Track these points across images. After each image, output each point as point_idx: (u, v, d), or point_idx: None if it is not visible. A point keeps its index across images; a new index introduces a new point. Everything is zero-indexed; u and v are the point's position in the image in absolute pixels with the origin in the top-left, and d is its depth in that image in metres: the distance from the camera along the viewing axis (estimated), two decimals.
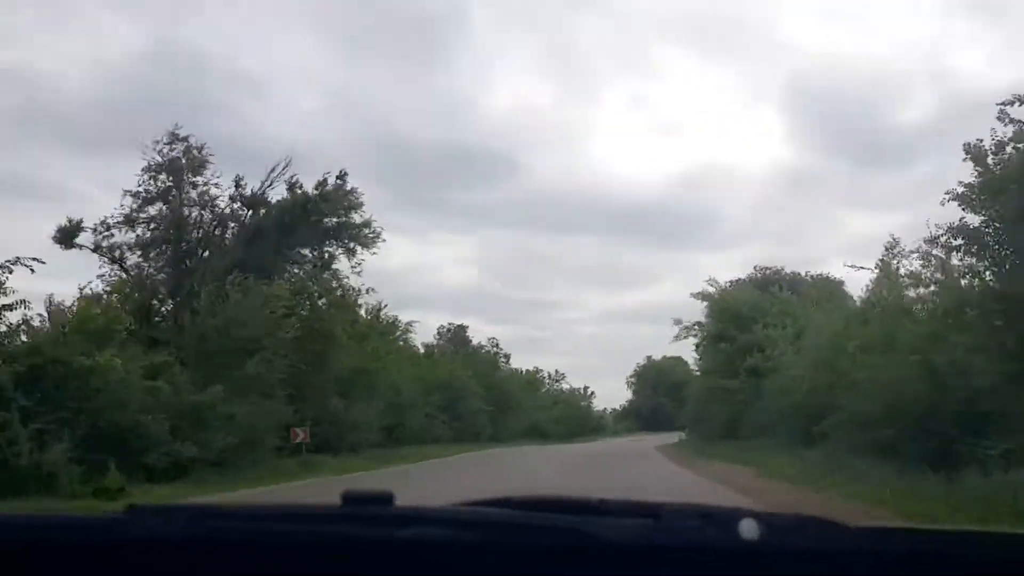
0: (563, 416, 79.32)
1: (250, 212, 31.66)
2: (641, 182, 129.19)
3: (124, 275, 29.47)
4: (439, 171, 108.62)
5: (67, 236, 28.01)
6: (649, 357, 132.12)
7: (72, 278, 32.46)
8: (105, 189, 77.70)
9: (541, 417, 72.66)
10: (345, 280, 34.53)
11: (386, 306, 45.87)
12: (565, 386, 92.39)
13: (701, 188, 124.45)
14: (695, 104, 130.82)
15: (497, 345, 74.97)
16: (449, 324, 70.84)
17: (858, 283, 44.42)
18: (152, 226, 30.20)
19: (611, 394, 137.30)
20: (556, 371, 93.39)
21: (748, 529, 1.21)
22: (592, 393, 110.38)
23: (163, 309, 29.46)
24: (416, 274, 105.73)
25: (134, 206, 30.03)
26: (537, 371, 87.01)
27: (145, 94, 64.15)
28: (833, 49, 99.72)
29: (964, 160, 14.07)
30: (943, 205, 14.53)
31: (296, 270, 33.89)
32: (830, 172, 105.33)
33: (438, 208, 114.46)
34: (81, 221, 28.53)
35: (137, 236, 30.11)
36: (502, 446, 50.79)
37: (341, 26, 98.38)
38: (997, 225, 13.72)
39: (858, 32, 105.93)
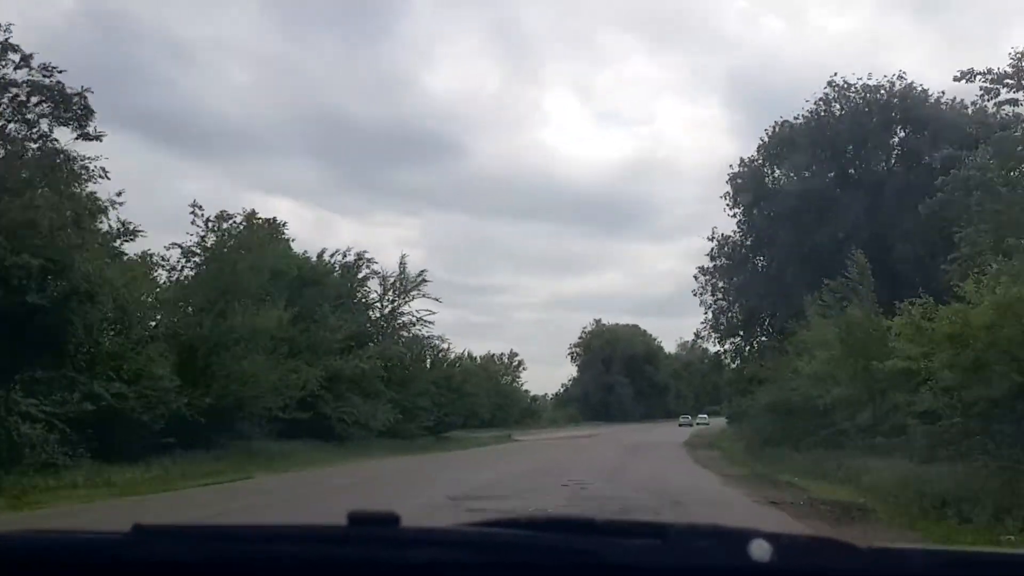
0: (425, 392, 38.69)
1: None
2: (586, 170, 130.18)
3: None
4: (383, 151, 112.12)
5: None
6: (598, 321, 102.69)
7: None
8: None
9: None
10: None
11: None
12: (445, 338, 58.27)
13: (645, 179, 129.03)
14: (641, 94, 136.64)
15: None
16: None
17: None
18: None
19: (555, 384, 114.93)
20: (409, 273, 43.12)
21: (759, 550, 1.17)
22: (520, 363, 79.26)
23: None
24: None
25: None
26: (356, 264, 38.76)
27: (70, 56, 61.06)
28: (774, 45, 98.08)
29: None
30: None
31: None
32: None
33: (382, 189, 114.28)
34: None
35: None
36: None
37: None
38: None
39: (797, 29, 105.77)
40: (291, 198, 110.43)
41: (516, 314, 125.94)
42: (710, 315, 42.31)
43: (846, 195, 31.33)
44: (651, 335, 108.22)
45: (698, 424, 74.95)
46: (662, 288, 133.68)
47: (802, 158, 32.73)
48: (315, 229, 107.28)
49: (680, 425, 75.24)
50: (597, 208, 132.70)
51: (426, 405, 38.43)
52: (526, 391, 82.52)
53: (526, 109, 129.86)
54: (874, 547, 1.34)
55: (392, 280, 40.97)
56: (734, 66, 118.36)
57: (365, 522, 1.29)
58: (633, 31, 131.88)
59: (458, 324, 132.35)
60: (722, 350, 43.36)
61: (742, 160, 36.95)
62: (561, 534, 1.31)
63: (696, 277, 42.08)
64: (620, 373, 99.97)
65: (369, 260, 39.39)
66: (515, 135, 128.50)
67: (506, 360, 76.87)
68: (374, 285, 40.85)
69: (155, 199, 76.48)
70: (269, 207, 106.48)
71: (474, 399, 72.16)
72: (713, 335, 43.02)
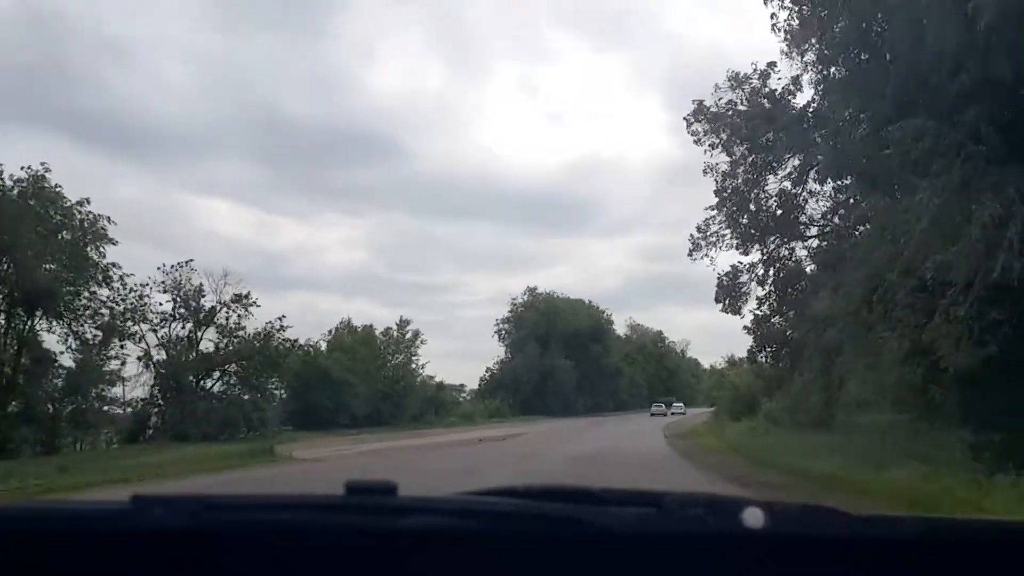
0: None
1: None
2: (531, 169, 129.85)
3: None
4: (325, 151, 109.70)
5: None
6: (533, 289, 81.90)
7: None
8: None
9: None
10: None
11: None
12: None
13: (590, 176, 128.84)
14: (584, 92, 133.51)
15: None
16: None
17: None
18: None
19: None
20: None
21: (752, 518, 1.17)
22: (417, 335, 57.87)
23: None
24: (302, 256, 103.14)
25: None
26: None
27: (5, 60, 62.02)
28: (715, 43, 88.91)
29: None
30: None
31: None
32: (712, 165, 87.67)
33: (324, 189, 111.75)
34: None
35: None
36: None
37: None
38: None
39: (739, 27, 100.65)
40: (230, 200, 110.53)
41: (462, 312, 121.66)
42: (729, 195, 21.05)
43: None
44: (599, 307, 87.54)
45: (673, 414, 66.95)
46: (609, 284, 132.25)
47: None
48: (256, 231, 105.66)
49: (652, 415, 66.91)
50: (542, 206, 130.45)
51: None
52: (441, 380, 60.78)
53: (469, 108, 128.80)
54: (866, 514, 1.33)
55: None
56: (676, 66, 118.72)
57: (363, 491, 1.29)
58: (576, 30, 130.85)
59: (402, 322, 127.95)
60: (743, 265, 22.31)
61: None
62: (558, 503, 1.32)
63: (688, 121, 20.95)
64: (561, 354, 78.85)
65: None
66: (458, 134, 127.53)
67: (395, 332, 54.86)
68: None
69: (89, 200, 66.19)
70: (207, 209, 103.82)
71: (344, 388, 48.21)
72: (727, 238, 21.86)
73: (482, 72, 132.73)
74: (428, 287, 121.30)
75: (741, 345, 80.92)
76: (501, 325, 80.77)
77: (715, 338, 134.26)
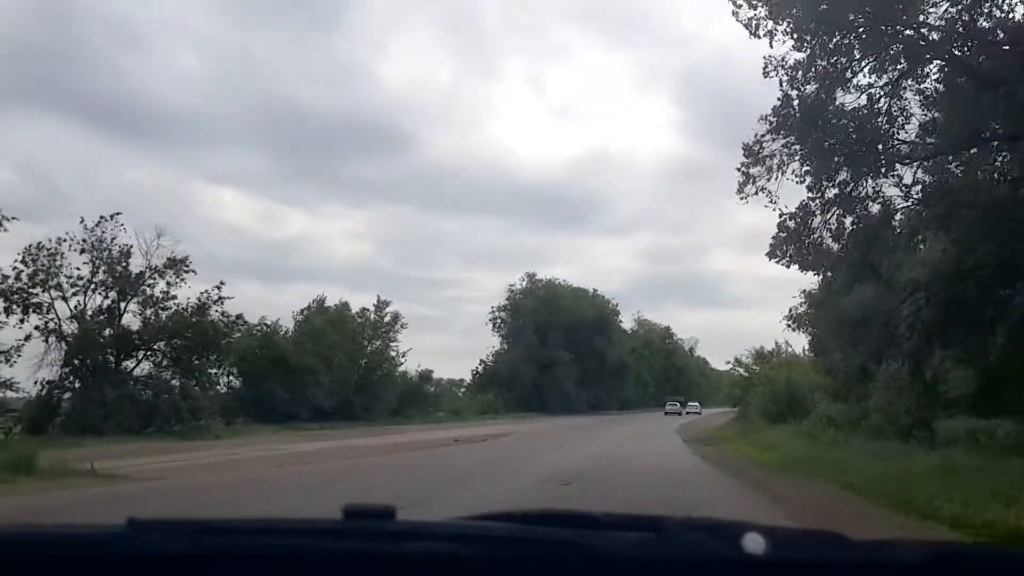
0: None
1: None
2: (538, 164, 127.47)
3: None
4: (331, 142, 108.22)
5: None
6: (532, 276, 75.20)
7: None
8: None
9: None
10: None
11: None
12: None
13: (596, 174, 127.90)
14: (593, 88, 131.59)
15: None
16: None
17: None
18: None
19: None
20: None
21: (753, 543, 1.15)
22: (396, 319, 51.12)
23: None
24: (306, 246, 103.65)
25: None
26: None
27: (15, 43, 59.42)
28: (726, 42, 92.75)
29: None
30: None
31: None
32: (720, 164, 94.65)
33: (330, 180, 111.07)
34: None
35: None
36: None
37: None
38: None
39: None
40: (237, 188, 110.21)
41: (467, 308, 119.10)
42: (798, 104, 14.44)
43: None
44: (604, 296, 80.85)
45: (688, 413, 64.65)
46: (613, 283, 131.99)
47: None
48: (262, 220, 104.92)
49: (667, 413, 64.14)
50: (547, 202, 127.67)
51: None
52: (424, 370, 54.02)
53: (479, 102, 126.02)
54: (867, 539, 1.32)
55: None
56: (686, 64, 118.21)
57: (361, 515, 1.27)
58: (587, 26, 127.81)
59: (407, 317, 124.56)
60: (816, 203, 15.65)
61: None
62: (557, 527, 1.30)
63: (736, 1, 14.25)
64: (561, 346, 72.07)
65: None
66: (467, 128, 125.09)
67: (372, 315, 48.16)
68: None
69: (95, 187, 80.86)
70: (215, 197, 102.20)
71: (305, 376, 40.98)
72: (793, 161, 15.19)
73: (491, 65, 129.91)
74: (433, 282, 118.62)
75: (758, 341, 73.71)
76: (497, 314, 74.02)
77: (722, 340, 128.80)
